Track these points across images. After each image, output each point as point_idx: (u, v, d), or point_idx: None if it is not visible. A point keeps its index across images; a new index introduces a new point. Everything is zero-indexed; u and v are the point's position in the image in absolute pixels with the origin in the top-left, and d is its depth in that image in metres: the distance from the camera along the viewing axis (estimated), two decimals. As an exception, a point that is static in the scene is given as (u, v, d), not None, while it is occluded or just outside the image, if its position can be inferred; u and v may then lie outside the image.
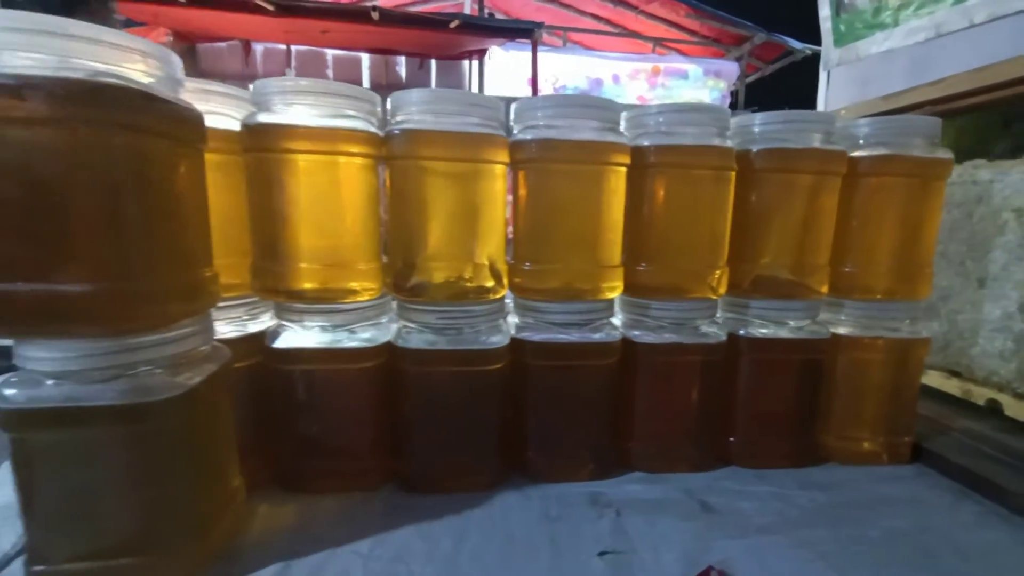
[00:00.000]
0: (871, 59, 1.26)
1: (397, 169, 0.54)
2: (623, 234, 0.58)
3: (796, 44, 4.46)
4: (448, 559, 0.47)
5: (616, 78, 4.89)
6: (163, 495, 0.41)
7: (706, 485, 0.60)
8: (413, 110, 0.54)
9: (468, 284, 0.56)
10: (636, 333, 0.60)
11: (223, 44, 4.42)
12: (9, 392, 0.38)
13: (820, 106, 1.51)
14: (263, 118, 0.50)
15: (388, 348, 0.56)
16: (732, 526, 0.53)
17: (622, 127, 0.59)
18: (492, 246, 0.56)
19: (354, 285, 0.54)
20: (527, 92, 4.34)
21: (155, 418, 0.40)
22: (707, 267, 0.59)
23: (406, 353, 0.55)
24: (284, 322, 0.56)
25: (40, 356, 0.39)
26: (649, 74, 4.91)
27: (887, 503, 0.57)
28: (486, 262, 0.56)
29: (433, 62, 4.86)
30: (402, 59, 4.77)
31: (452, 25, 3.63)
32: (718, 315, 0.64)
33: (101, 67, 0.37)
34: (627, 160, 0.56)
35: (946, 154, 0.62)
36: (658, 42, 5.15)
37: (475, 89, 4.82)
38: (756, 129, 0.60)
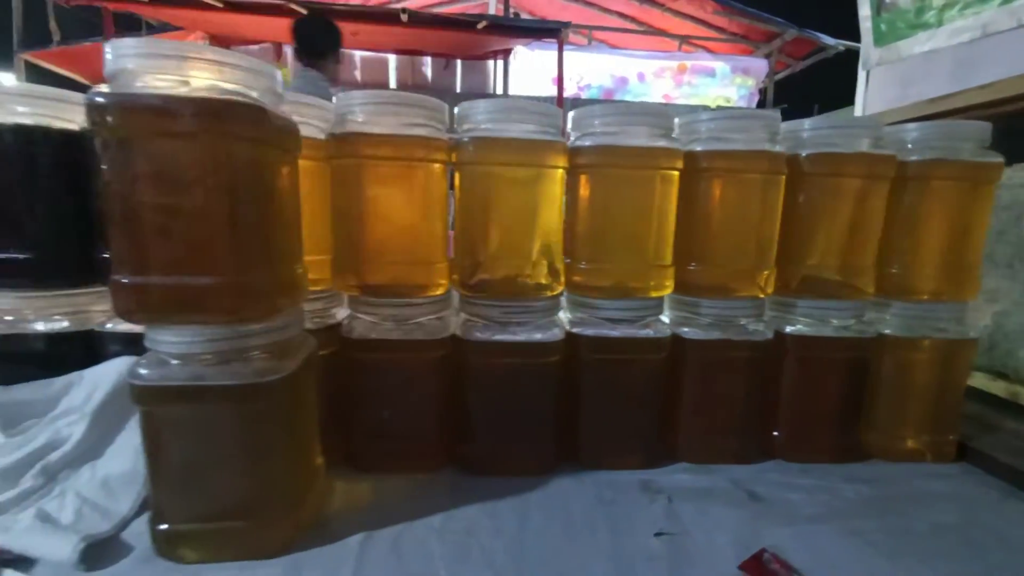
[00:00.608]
0: (913, 59, 1.24)
1: (465, 174, 0.58)
2: (675, 235, 0.61)
3: (828, 40, 4.37)
4: (514, 536, 0.51)
5: (641, 76, 4.86)
6: (266, 467, 0.46)
7: (752, 476, 0.62)
8: (480, 119, 0.57)
9: (528, 281, 0.59)
10: (685, 330, 0.63)
11: (255, 47, 4.56)
12: (143, 371, 0.43)
13: (858, 106, 1.49)
14: (348, 128, 0.55)
15: (452, 340, 0.60)
16: (781, 515, 0.55)
17: (675, 133, 0.62)
18: (550, 246, 0.60)
19: (425, 281, 0.58)
20: (552, 91, 4.35)
21: (263, 398, 0.45)
22: (756, 268, 0.62)
23: (469, 345, 0.59)
24: (358, 314, 0.60)
25: (168, 340, 0.44)
26: (675, 72, 4.86)
27: (933, 498, 0.59)
28: (545, 261, 0.59)
29: (459, 62, 4.91)
30: (428, 59, 4.84)
31: (480, 26, 3.67)
32: (765, 313, 0.66)
33: (223, 85, 0.42)
34: (680, 165, 0.59)
35: (996, 158, 0.63)
36: (684, 40, 5.09)
37: (499, 88, 4.86)
38: (805, 134, 0.62)
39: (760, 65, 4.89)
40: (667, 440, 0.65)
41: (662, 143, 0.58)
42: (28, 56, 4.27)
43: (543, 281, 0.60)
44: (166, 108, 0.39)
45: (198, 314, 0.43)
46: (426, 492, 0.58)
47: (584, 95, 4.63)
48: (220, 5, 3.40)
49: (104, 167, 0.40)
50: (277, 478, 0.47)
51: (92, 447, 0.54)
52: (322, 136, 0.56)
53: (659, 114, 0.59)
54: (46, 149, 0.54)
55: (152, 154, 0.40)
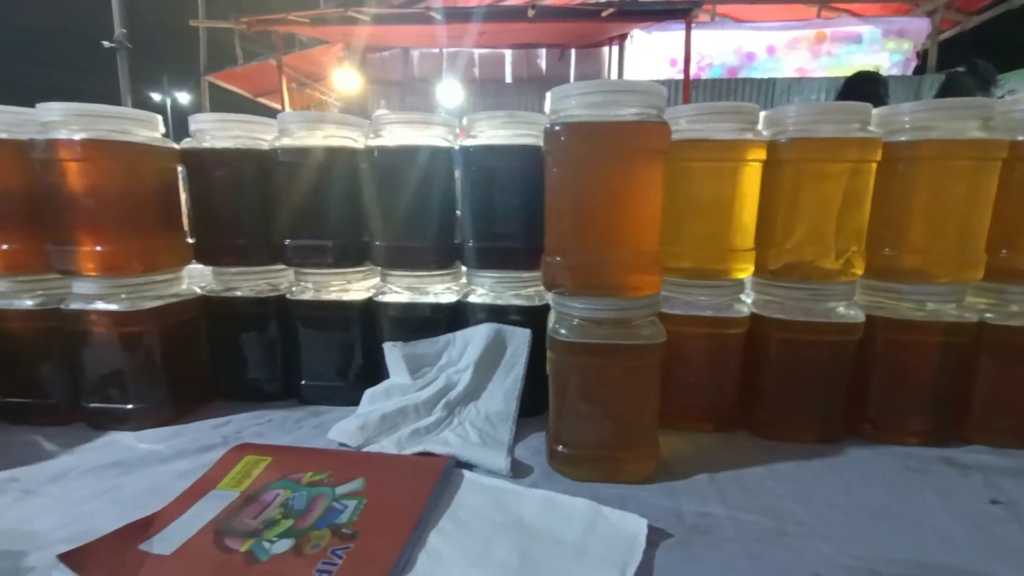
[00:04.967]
0: None
1: (777, 172, 0.65)
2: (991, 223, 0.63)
3: (1017, -12, 3.70)
4: (841, 486, 0.57)
5: (771, 50, 4.53)
6: (641, 411, 0.59)
7: (1063, 463, 0.63)
8: (790, 122, 0.64)
9: (827, 267, 0.65)
10: (989, 315, 0.65)
11: (386, 53, 4.98)
12: (562, 330, 0.57)
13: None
14: (680, 136, 0.64)
15: (753, 318, 0.68)
16: (1118, 498, 0.56)
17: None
18: (854, 233, 0.65)
19: (735, 265, 0.67)
20: (670, 74, 4.23)
21: (647, 357, 0.57)
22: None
23: (773, 323, 0.67)
24: (670, 294, 0.71)
25: (576, 307, 0.57)
26: (812, 42, 4.45)
27: None
28: (848, 247, 0.65)
29: (573, 51, 4.94)
30: (542, 51, 4.93)
31: (604, 14, 3.67)
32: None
33: (639, 109, 0.53)
34: (1003, 154, 0.61)
35: None
36: (824, 4, 4.62)
37: (615, 75, 4.81)
38: None
39: (920, 25, 4.30)
40: (951, 420, 0.68)
41: (982, 134, 0.61)
42: (211, 78, 5.10)
43: (843, 268, 0.65)
44: (611, 130, 0.51)
45: (604, 288, 0.55)
46: (734, 447, 0.67)
47: (705, 75, 4.43)
48: (367, 19, 3.76)
49: (553, 176, 0.54)
50: (647, 421, 0.59)
51: (473, 391, 0.71)
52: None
53: (981, 105, 0.61)
54: (433, 162, 0.71)
55: (582, 164, 0.53)
